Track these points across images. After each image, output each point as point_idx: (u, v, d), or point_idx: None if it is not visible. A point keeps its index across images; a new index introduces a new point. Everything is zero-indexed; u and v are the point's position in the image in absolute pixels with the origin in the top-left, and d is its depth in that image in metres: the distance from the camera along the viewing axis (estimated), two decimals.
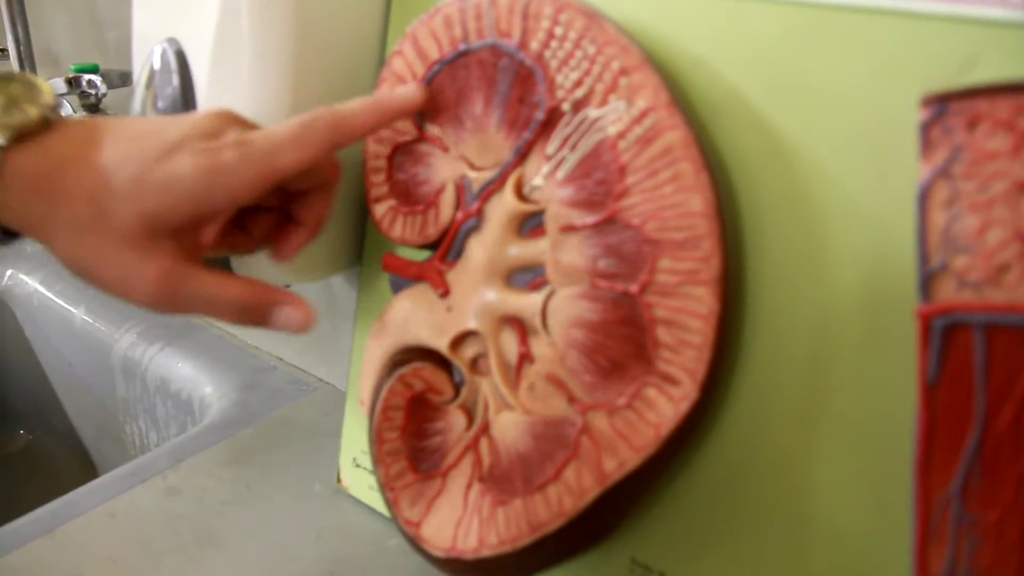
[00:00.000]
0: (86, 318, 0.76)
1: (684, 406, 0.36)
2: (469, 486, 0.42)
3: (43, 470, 0.86)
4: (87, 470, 0.82)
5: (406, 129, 0.43)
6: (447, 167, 0.42)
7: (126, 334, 0.73)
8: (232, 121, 0.37)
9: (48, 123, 0.35)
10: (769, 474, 0.37)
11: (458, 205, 0.42)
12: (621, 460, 0.37)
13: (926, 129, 0.31)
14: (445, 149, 0.42)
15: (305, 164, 0.36)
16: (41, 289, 0.80)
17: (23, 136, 0.34)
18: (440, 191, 0.42)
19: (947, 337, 0.31)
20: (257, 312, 0.36)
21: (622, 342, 0.37)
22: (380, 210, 0.44)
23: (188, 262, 0.35)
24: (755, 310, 0.37)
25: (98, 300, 0.77)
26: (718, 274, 0.35)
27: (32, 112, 0.35)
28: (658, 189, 0.36)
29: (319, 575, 0.48)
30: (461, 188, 0.42)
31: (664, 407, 0.36)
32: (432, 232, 0.43)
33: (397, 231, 0.44)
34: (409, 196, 0.43)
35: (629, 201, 0.36)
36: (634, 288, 0.37)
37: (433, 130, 0.42)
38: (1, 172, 0.34)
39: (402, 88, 0.41)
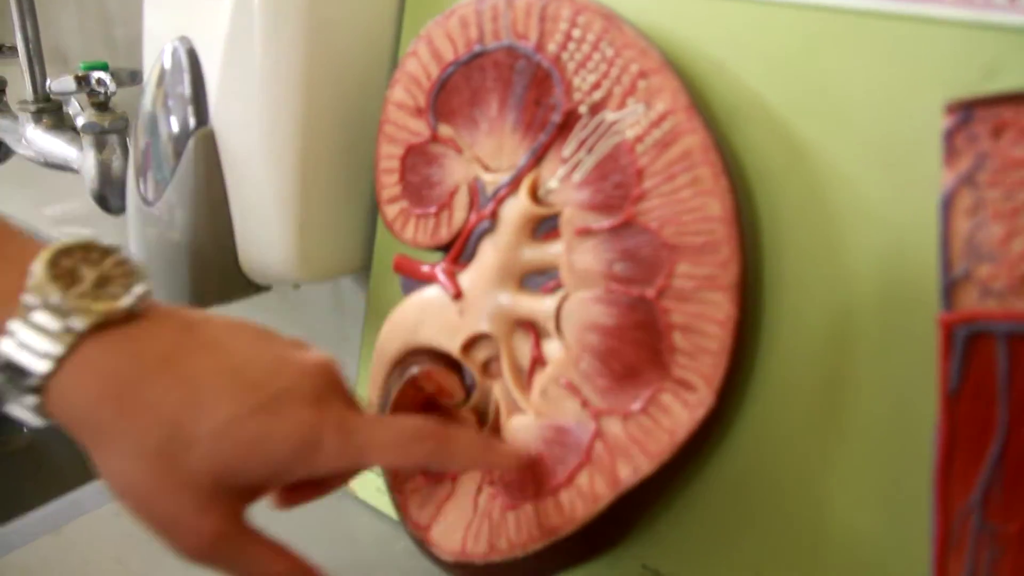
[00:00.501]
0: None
1: (700, 412, 0.35)
2: (479, 490, 0.41)
3: (46, 468, 0.85)
4: (89, 468, 0.81)
5: (419, 130, 0.43)
6: (461, 169, 0.42)
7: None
8: (337, 386, 0.34)
9: (135, 315, 0.31)
10: (783, 481, 0.37)
11: (472, 207, 0.41)
12: (635, 466, 0.36)
13: (950, 136, 0.31)
14: (459, 151, 0.42)
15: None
16: None
17: (106, 325, 0.30)
18: (453, 193, 0.42)
19: (969, 346, 0.31)
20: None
21: (637, 347, 0.37)
22: (392, 211, 0.44)
23: (241, 524, 0.32)
24: (772, 315, 0.37)
25: None
26: (736, 279, 0.35)
27: (123, 301, 0.31)
28: (676, 193, 0.35)
29: None
30: (475, 190, 0.41)
31: (679, 413, 0.36)
32: (445, 234, 0.42)
33: (409, 233, 0.43)
34: (422, 198, 0.43)
35: (647, 205, 0.36)
36: (651, 293, 0.36)
37: (447, 131, 0.42)
38: (69, 361, 0.30)
39: (510, 448, 0.39)
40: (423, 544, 0.42)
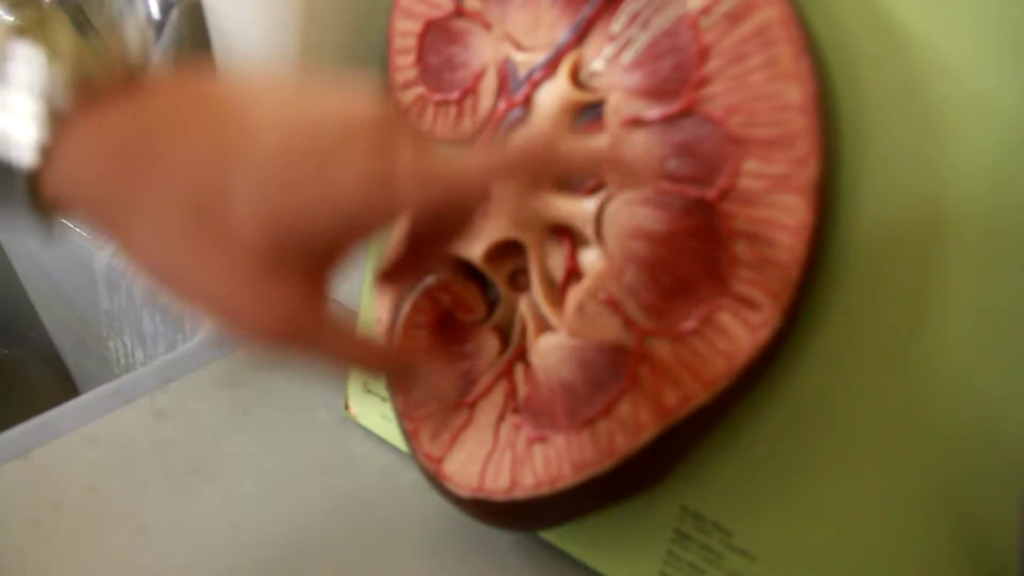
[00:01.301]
0: (65, 223, 0.72)
1: (764, 334, 0.32)
2: (501, 418, 0.38)
3: (19, 387, 0.83)
4: (67, 388, 0.79)
5: (441, 2, 0.38)
6: (489, 48, 0.37)
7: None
8: (406, 127, 0.27)
9: (133, 80, 0.26)
10: (852, 418, 0.33)
11: (500, 93, 0.37)
12: (686, 394, 0.33)
13: None
14: (487, 26, 0.37)
15: (494, 190, 0.28)
16: None
17: (94, 96, 0.25)
18: (480, 76, 0.37)
19: None
20: (391, 379, 0.31)
21: (692, 258, 0.33)
22: (408, 98, 0.40)
23: (320, 299, 0.27)
24: (851, 225, 0.33)
25: None
26: (815, 180, 0.31)
27: (120, 62, 0.26)
28: (747, 76, 0.31)
29: (323, 513, 0.45)
30: (505, 73, 0.37)
31: (740, 335, 0.32)
32: (469, 124, 0.38)
33: (426, 123, 0.39)
34: (443, 82, 0.39)
35: (710, 90, 0.32)
36: (711, 194, 0.32)
37: (473, 3, 0.37)
38: (64, 137, 0.25)
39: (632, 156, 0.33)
40: (436, 478, 0.39)
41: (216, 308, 0.25)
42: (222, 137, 0.25)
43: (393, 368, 0.29)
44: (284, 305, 0.25)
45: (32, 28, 0.25)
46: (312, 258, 0.26)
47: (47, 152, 0.25)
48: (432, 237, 0.31)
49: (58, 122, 0.25)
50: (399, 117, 0.27)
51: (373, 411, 0.48)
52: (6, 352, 0.84)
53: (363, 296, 0.48)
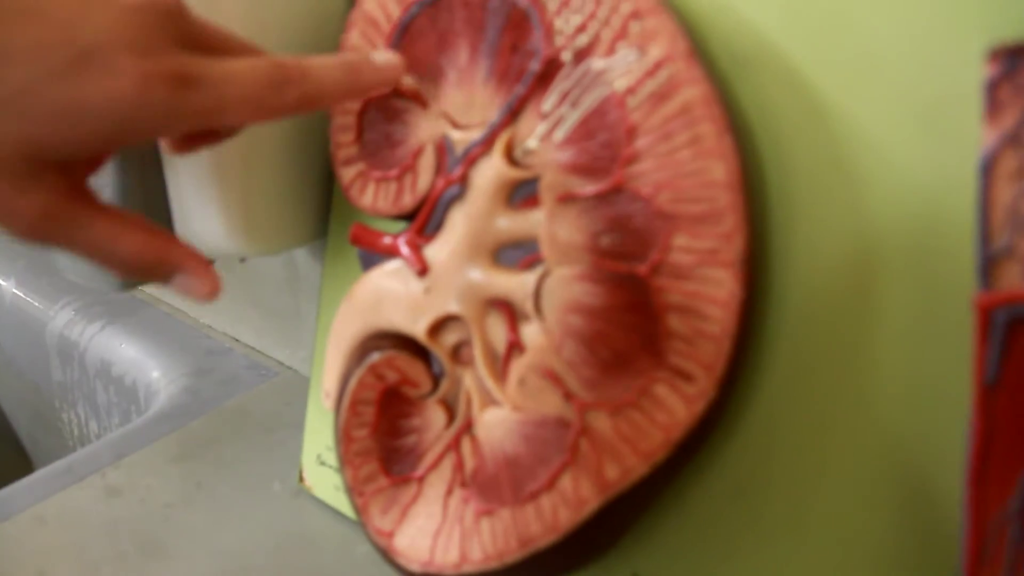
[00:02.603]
0: (17, 292, 0.73)
1: (699, 406, 0.33)
2: (449, 492, 0.39)
3: None
4: (20, 461, 0.79)
5: None
6: (426, 126, 0.39)
7: (62, 310, 0.69)
8: (168, 19, 0.29)
9: None
10: (792, 484, 0.35)
11: (438, 170, 0.39)
12: (625, 467, 0.34)
13: (993, 88, 0.29)
14: (424, 105, 0.39)
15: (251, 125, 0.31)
16: None
17: None
18: (418, 153, 0.39)
19: (1010, 332, 0.29)
20: (152, 273, 0.30)
21: (627, 331, 0.34)
22: (349, 175, 0.41)
23: (74, 198, 0.28)
24: (781, 297, 0.34)
25: (30, 272, 0.73)
26: (742, 254, 0.32)
27: None
28: (674, 154, 0.33)
29: None
30: (442, 150, 0.39)
31: (676, 407, 0.34)
32: (408, 201, 0.40)
33: (368, 199, 0.41)
34: (382, 159, 0.40)
35: (639, 167, 0.34)
36: (642, 269, 0.34)
37: (410, 82, 0.39)
38: None
39: (382, 56, 0.35)
40: (387, 553, 0.40)
41: None
42: None
43: (154, 261, 0.30)
44: (39, 203, 0.27)
45: None
46: (68, 161, 0.28)
47: None
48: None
49: None
50: (170, 12, 0.29)
51: (327, 483, 0.50)
52: None
53: (313, 368, 0.50)
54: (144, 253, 0.29)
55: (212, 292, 0.31)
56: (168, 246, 0.30)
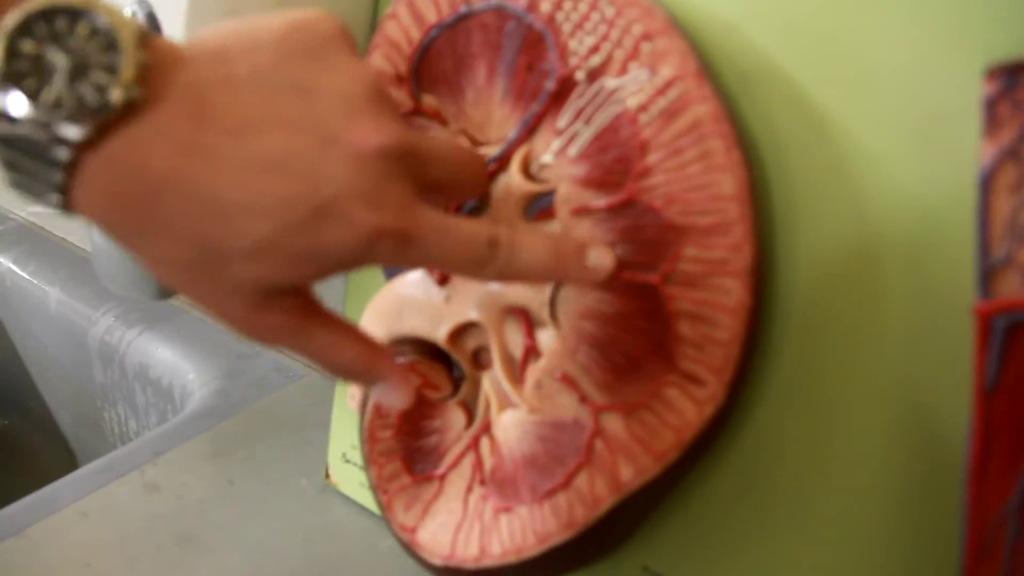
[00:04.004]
0: (62, 299, 0.72)
1: (709, 409, 0.32)
2: (469, 489, 0.38)
3: (20, 456, 0.82)
4: (65, 456, 0.78)
5: (401, 100, 0.39)
6: None
7: (103, 316, 0.69)
8: (400, 162, 0.28)
9: (131, 107, 0.24)
10: (798, 481, 0.34)
11: None
12: (639, 467, 0.33)
13: (992, 104, 0.28)
14: (444, 122, 0.38)
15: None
16: (14, 268, 0.76)
17: (101, 130, 0.24)
18: None
19: (1009, 338, 0.28)
20: (361, 379, 0.31)
21: (640, 337, 0.33)
22: None
23: (303, 315, 0.29)
24: (787, 304, 0.33)
25: (74, 281, 0.73)
26: (749, 264, 0.31)
27: (115, 94, 0.24)
28: (684, 168, 0.32)
29: None
30: None
31: (687, 409, 0.32)
32: None
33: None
34: None
35: (650, 181, 0.33)
36: (654, 278, 0.33)
37: (430, 101, 0.38)
38: (75, 184, 0.25)
39: (597, 256, 0.33)
40: (409, 547, 0.39)
41: (219, 319, 0.28)
42: (220, 186, 0.25)
43: (364, 371, 0.30)
44: (275, 321, 0.28)
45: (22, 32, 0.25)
46: (298, 289, 0.28)
47: (70, 174, 0.25)
48: None
49: (65, 167, 0.25)
50: (400, 158, 0.28)
51: (352, 479, 0.49)
52: (7, 422, 0.84)
53: None
54: (358, 363, 0.30)
55: (406, 402, 0.32)
56: (377, 357, 0.31)
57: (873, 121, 0.31)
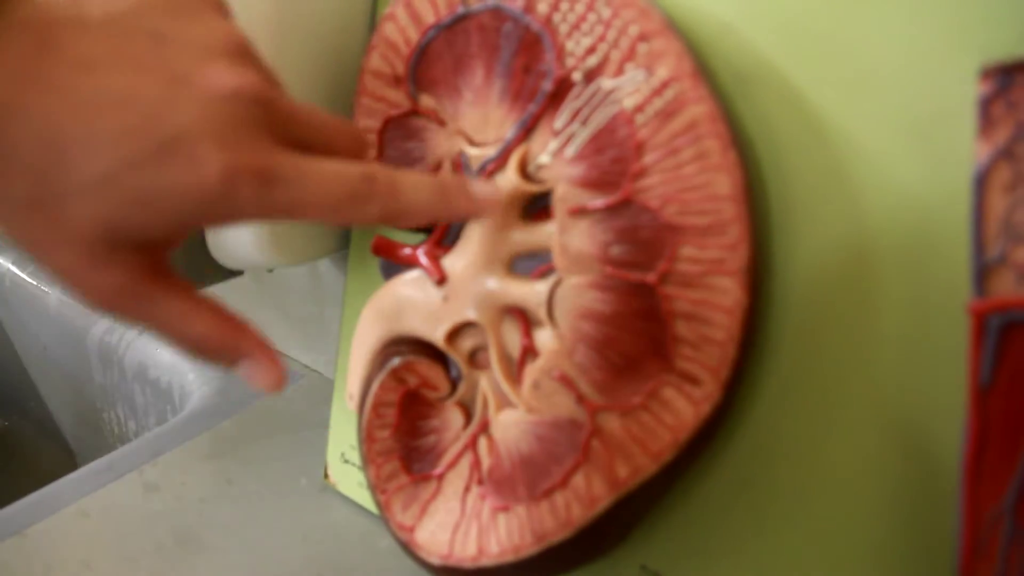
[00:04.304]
0: (61, 299, 0.72)
1: (706, 408, 0.32)
2: (467, 489, 0.38)
3: (20, 457, 0.82)
4: (65, 457, 0.78)
5: (398, 101, 0.39)
6: (443, 143, 0.38)
7: (103, 317, 0.69)
8: (257, 107, 0.26)
9: None
10: (795, 480, 0.34)
11: None
12: (635, 466, 0.33)
13: (987, 104, 0.28)
14: (441, 123, 0.38)
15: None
16: (14, 269, 0.76)
17: None
18: (436, 169, 0.38)
19: (1004, 336, 0.28)
20: (218, 357, 0.28)
21: (637, 337, 0.34)
22: None
23: (149, 277, 0.26)
24: (783, 304, 0.33)
25: None
26: (746, 263, 0.31)
27: None
28: (680, 169, 0.32)
29: None
30: (459, 166, 0.38)
31: (683, 409, 0.33)
32: None
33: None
34: None
35: (647, 182, 0.33)
36: (651, 278, 0.33)
37: (428, 102, 0.38)
38: None
39: (481, 187, 0.30)
40: (408, 546, 0.39)
41: (60, 278, 0.26)
42: (59, 117, 0.24)
43: (221, 347, 0.28)
44: (115, 280, 0.26)
45: None
46: (146, 242, 0.26)
47: None
48: None
49: None
50: (257, 101, 0.26)
51: (351, 479, 0.49)
52: (6, 423, 0.84)
53: (337, 372, 0.49)
54: (213, 336, 0.27)
55: (276, 383, 0.28)
56: (237, 332, 0.28)
57: (869, 121, 0.31)
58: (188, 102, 0.25)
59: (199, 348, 0.27)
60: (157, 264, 0.27)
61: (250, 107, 0.26)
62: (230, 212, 0.25)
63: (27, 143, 0.24)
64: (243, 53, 0.27)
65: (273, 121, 0.27)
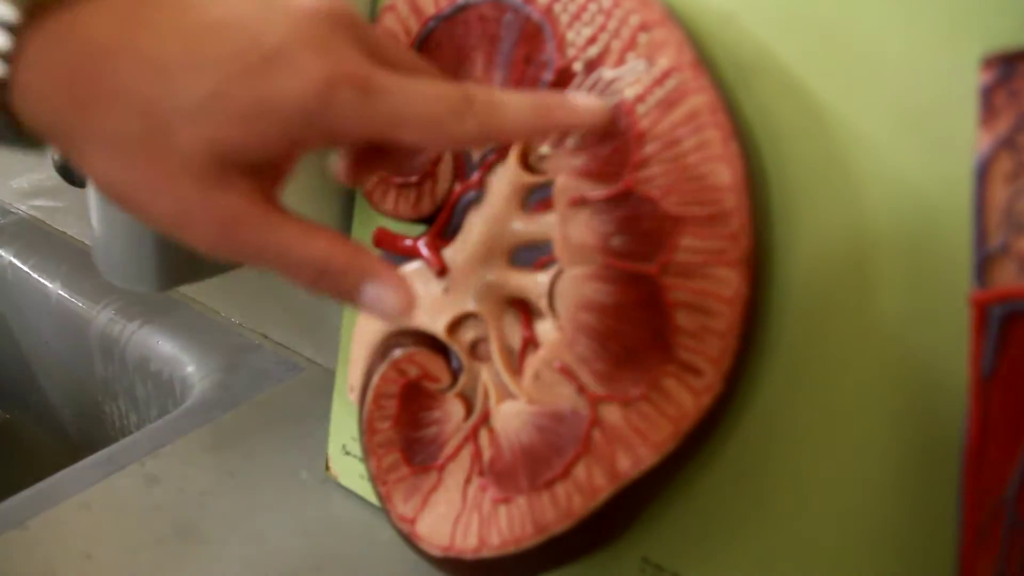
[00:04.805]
0: (62, 293, 0.72)
1: (707, 399, 0.32)
2: (468, 480, 0.38)
3: (21, 450, 0.82)
4: (67, 450, 0.78)
5: None
6: None
7: (104, 310, 0.69)
8: (352, 29, 0.27)
9: None
10: (795, 471, 0.34)
11: (457, 176, 0.38)
12: (637, 457, 0.33)
13: (988, 94, 0.28)
14: None
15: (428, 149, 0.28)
16: (15, 262, 0.76)
17: (42, 6, 0.24)
18: (437, 160, 0.38)
19: (1006, 327, 0.28)
20: (342, 280, 0.27)
21: (637, 327, 0.34)
22: (371, 181, 0.40)
23: (264, 203, 0.26)
24: (784, 294, 0.33)
25: (75, 275, 0.73)
26: (747, 254, 0.31)
27: None
28: (681, 159, 0.32)
29: (307, 572, 0.45)
30: (460, 157, 0.38)
31: (684, 400, 0.33)
32: (427, 205, 0.39)
33: (389, 204, 0.40)
34: (402, 166, 0.39)
35: (648, 172, 0.33)
36: (652, 268, 0.33)
37: None
38: (16, 61, 0.24)
39: (583, 99, 0.30)
40: (409, 538, 0.39)
41: (169, 218, 0.26)
42: (164, 48, 0.25)
43: (344, 267, 0.27)
44: (230, 206, 0.26)
45: None
46: (259, 168, 0.26)
47: (11, 66, 0.25)
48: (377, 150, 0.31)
49: (14, 32, 0.24)
50: (349, 19, 0.27)
51: (352, 471, 0.49)
52: (8, 416, 0.84)
53: (338, 364, 0.49)
54: (336, 256, 0.27)
55: (407, 306, 0.27)
56: (358, 252, 0.27)
57: (870, 111, 0.31)
58: (286, 19, 0.26)
59: (323, 271, 0.27)
60: (268, 193, 0.27)
61: (345, 25, 0.27)
62: (333, 123, 0.25)
63: (134, 76, 0.25)
64: None
65: (365, 40, 0.27)
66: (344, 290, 0.27)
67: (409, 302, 0.27)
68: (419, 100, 0.26)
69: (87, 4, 0.25)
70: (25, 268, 0.76)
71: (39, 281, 0.74)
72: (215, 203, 0.25)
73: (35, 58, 0.25)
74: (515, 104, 0.28)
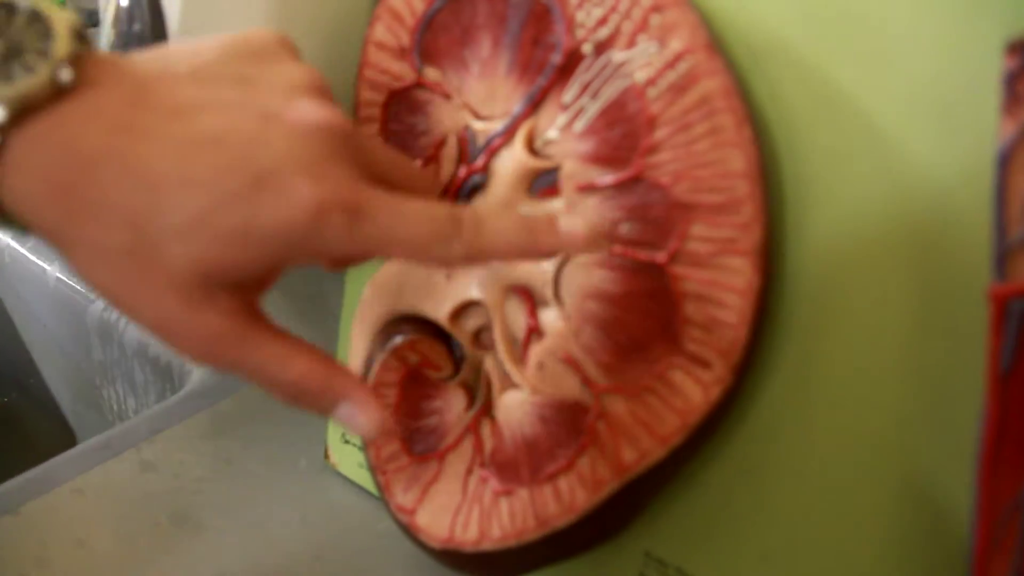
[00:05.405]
0: (60, 276, 0.71)
1: (715, 392, 0.32)
2: (469, 471, 0.37)
3: (19, 433, 0.82)
4: (64, 434, 0.78)
5: (403, 73, 0.38)
6: (449, 117, 0.37)
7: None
8: (343, 145, 0.27)
9: (61, 89, 0.24)
10: (801, 466, 0.33)
11: (461, 160, 0.37)
12: (642, 451, 0.33)
13: (1012, 80, 0.27)
14: (447, 96, 0.37)
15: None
16: (13, 244, 0.76)
17: (30, 108, 0.24)
18: (440, 144, 0.37)
19: None
20: (317, 401, 0.28)
21: (645, 318, 0.33)
22: None
23: (245, 321, 0.27)
24: (796, 285, 0.33)
25: None
26: (759, 243, 0.31)
27: (42, 72, 0.24)
28: (692, 144, 0.31)
29: (304, 561, 0.44)
30: (464, 141, 0.37)
31: (692, 392, 0.32)
32: None
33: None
34: (406, 149, 0.39)
35: (658, 158, 0.32)
36: (661, 257, 0.32)
37: (433, 75, 0.37)
38: (1, 160, 0.24)
39: (569, 222, 0.29)
40: (408, 529, 0.39)
41: (152, 328, 0.26)
42: (153, 161, 0.25)
43: (319, 389, 0.28)
44: (212, 324, 0.26)
45: None
46: (242, 285, 0.26)
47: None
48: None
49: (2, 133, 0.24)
50: (342, 137, 0.27)
51: (351, 460, 0.48)
52: (5, 400, 0.84)
53: (338, 351, 0.48)
54: (312, 379, 0.27)
55: (377, 426, 0.28)
56: (334, 374, 0.28)
57: (887, 98, 0.30)
58: (279, 137, 0.26)
59: (298, 391, 0.27)
60: (251, 308, 0.27)
61: (337, 141, 0.27)
62: (320, 245, 0.26)
63: (123, 190, 0.25)
64: (324, 92, 0.28)
65: (358, 155, 0.27)
66: (319, 408, 0.28)
67: (378, 423, 0.28)
68: (407, 223, 0.27)
69: (75, 107, 0.25)
70: (23, 250, 0.75)
71: (37, 264, 0.74)
72: (198, 321, 0.26)
73: (21, 160, 0.24)
74: (502, 227, 0.28)
